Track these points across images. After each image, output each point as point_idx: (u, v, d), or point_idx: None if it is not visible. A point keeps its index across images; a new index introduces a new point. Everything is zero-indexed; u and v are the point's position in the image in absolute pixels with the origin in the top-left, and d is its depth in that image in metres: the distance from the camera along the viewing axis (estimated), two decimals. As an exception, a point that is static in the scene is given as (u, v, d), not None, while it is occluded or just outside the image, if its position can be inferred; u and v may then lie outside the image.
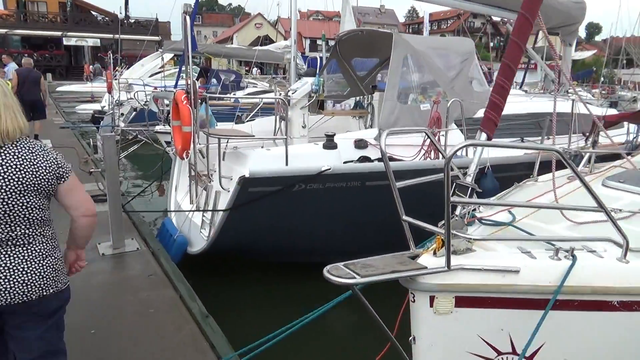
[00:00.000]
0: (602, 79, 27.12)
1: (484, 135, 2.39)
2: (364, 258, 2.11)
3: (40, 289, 2.10)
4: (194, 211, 4.89)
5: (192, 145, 5.08)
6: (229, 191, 4.44)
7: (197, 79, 16.28)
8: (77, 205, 2.20)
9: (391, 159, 4.90)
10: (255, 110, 8.19)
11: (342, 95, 7.22)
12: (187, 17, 4.99)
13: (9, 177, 2.00)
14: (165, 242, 5.27)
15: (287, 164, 4.35)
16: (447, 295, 2.12)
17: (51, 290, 2.14)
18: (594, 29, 78.07)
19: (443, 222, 2.18)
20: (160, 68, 17.85)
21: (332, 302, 2.91)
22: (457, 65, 5.85)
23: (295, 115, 5.70)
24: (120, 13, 38.50)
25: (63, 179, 2.15)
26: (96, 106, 17.89)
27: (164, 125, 8.73)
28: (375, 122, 6.71)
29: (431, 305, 2.13)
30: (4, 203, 2.00)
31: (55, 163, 2.13)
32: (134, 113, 13.26)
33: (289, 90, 5.61)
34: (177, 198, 5.99)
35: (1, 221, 2.01)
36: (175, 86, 11.97)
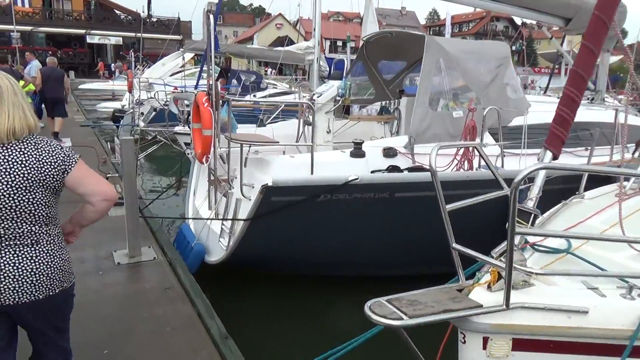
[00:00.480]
0: (631, 85, 26.23)
1: (548, 155, 2.10)
2: (407, 292, 1.86)
3: (47, 289, 2.14)
4: (213, 219, 4.68)
5: (212, 150, 4.88)
6: (250, 199, 4.21)
7: (217, 80, 16.17)
8: (92, 192, 2.18)
9: (421, 168, 4.63)
10: (276, 113, 7.98)
11: (367, 100, 6.96)
12: (211, 16, 4.78)
13: (15, 173, 2.02)
14: (183, 249, 5.07)
15: (312, 173, 4.10)
16: (504, 337, 1.85)
17: (57, 290, 2.18)
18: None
19: (499, 250, 1.90)
20: (180, 67, 17.81)
21: (366, 335, 2.63)
22: (492, 71, 5.53)
23: (319, 119, 5.45)
24: (143, 12, 38.77)
25: (67, 172, 2.14)
26: (117, 104, 17.93)
27: (183, 126, 8.56)
28: (402, 129, 6.44)
29: (484, 348, 1.86)
30: (11, 199, 2.02)
31: (61, 157, 2.13)
32: (154, 113, 13.20)
33: (314, 94, 5.37)
34: (195, 203, 5.79)
35: (8, 217, 2.03)
36: (196, 87, 11.85)
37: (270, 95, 15.19)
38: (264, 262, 4.60)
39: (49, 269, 2.12)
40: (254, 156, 4.43)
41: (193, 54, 19.61)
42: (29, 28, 38.89)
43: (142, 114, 14.36)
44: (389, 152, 4.51)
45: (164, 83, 14.04)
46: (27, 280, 2.07)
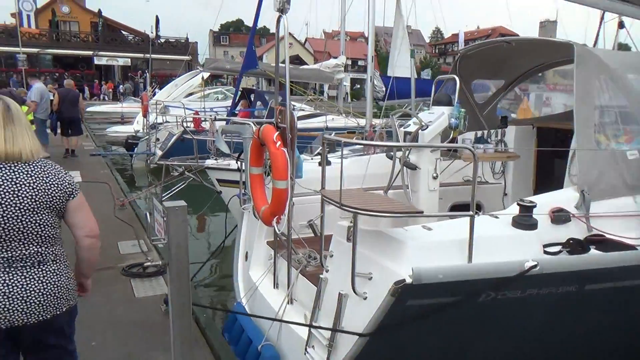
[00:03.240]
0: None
1: None
2: None
3: (54, 308, 2.19)
4: (306, 325, 3.12)
5: (287, 209, 3.41)
6: (364, 297, 2.71)
7: (239, 102, 14.83)
8: (82, 225, 2.26)
9: (603, 239, 3.12)
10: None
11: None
12: (284, 17, 3.34)
13: (23, 195, 2.07)
14: (241, 350, 3.58)
15: (470, 259, 2.60)
16: None
17: (64, 309, 2.23)
18: None
19: None
20: (198, 87, 16.49)
21: None
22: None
23: (423, 159, 3.98)
24: (151, 32, 37.86)
25: (72, 196, 2.22)
26: (128, 129, 16.57)
27: (215, 159, 7.12)
28: (514, 167, 4.99)
29: None
30: (19, 220, 2.06)
31: (67, 181, 2.23)
32: (172, 139, 11.81)
33: (423, 126, 3.89)
34: (250, 274, 4.30)
35: (15, 238, 2.07)
36: (231, 111, 10.47)
37: (299, 118, 13.80)
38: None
39: (56, 289, 2.19)
40: (367, 227, 2.92)
41: (208, 75, 18.36)
42: (35, 50, 38.07)
43: (158, 139, 13.00)
44: (561, 217, 3.00)
45: (183, 106, 12.65)
46: (35, 300, 2.12)
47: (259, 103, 13.17)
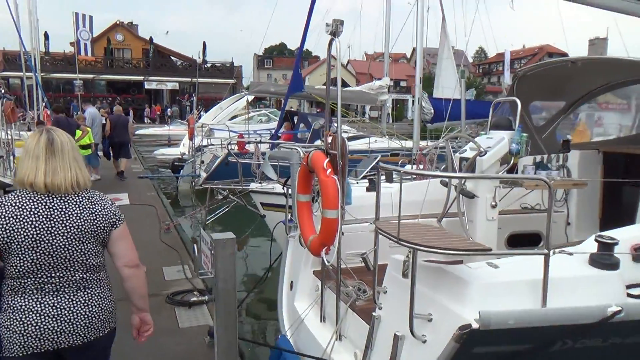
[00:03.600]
0: None
1: None
2: None
3: (97, 330, 2.25)
4: None
5: (338, 239, 3.23)
6: (423, 341, 2.47)
7: (282, 124, 14.91)
8: (122, 255, 2.31)
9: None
10: (372, 165, 6.34)
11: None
12: (336, 40, 3.22)
13: (70, 225, 2.15)
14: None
15: (544, 303, 2.33)
16: None
17: (106, 331, 2.30)
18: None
19: None
20: (242, 110, 16.75)
21: None
22: None
23: (481, 187, 3.72)
24: (199, 57, 39.16)
25: (116, 226, 2.29)
26: (174, 151, 16.97)
27: (260, 182, 7.06)
28: (578, 194, 4.63)
29: None
30: (66, 249, 2.14)
31: (112, 211, 2.30)
32: (217, 162, 11.94)
33: (481, 151, 3.64)
34: (295, 304, 4.12)
35: (62, 266, 2.15)
36: (276, 134, 10.49)
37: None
38: None
39: (100, 311, 2.25)
40: (425, 262, 2.70)
41: (252, 97, 18.63)
42: (91, 76, 40.12)
43: (202, 162, 13.19)
44: (644, 254, 2.68)
45: (228, 129, 12.82)
46: (81, 322, 2.18)
47: (302, 125, 13.17)
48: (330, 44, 3.36)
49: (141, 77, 43.09)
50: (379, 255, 4.49)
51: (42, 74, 23.77)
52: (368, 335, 2.88)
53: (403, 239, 2.39)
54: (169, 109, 38.90)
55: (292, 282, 4.41)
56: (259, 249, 8.00)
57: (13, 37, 18.24)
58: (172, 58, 47.57)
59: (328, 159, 3.25)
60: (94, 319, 2.21)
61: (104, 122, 13.12)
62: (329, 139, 3.51)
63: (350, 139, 14.15)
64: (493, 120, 4.04)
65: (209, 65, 45.10)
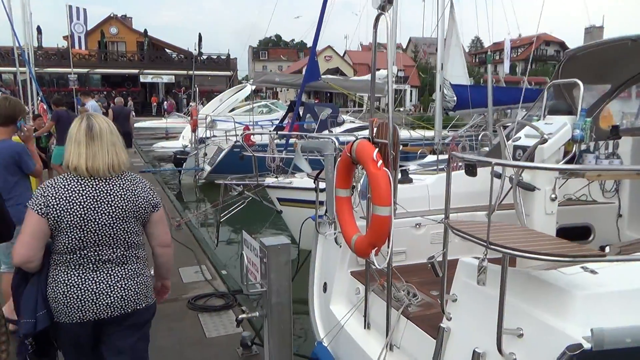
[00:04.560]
0: None
1: None
2: None
3: (135, 303, 2.38)
4: None
5: (390, 240, 2.87)
6: (513, 359, 2.12)
7: (286, 115, 14.51)
8: (157, 236, 2.51)
9: None
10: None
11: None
12: (385, 15, 2.85)
13: (115, 205, 2.31)
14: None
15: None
16: None
17: (143, 305, 2.42)
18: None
19: None
20: (244, 102, 16.32)
21: None
22: None
23: (540, 178, 3.36)
24: (195, 49, 38.50)
25: (156, 209, 2.46)
26: (175, 144, 16.55)
27: (276, 177, 6.69)
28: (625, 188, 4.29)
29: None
30: (110, 227, 2.29)
31: (152, 195, 2.47)
32: (222, 153, 11.54)
33: (544, 138, 3.27)
34: (331, 308, 3.76)
35: (106, 243, 2.30)
36: (290, 126, 10.08)
37: (348, 131, 13.33)
38: None
39: (136, 285, 2.38)
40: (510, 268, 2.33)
41: (253, 89, 18.19)
42: (85, 70, 39.38)
43: (206, 154, 12.79)
44: None
45: (233, 120, 12.39)
46: (118, 295, 2.32)
47: (308, 116, 12.76)
48: (377, 20, 2.99)
49: (136, 71, 42.38)
50: (417, 254, 4.15)
51: (35, 68, 23.17)
52: (436, 349, 2.52)
53: (495, 243, 2.02)
54: (166, 102, 38.30)
55: (325, 283, 4.06)
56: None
57: (5, 31, 17.71)
58: (167, 51, 46.85)
59: (377, 150, 2.88)
60: (130, 291, 2.34)
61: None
62: (374, 128, 3.15)
63: (356, 129, 13.79)
64: (550, 104, 3.67)
65: (204, 57, 44.46)
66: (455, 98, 7.84)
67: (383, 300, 3.28)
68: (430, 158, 6.64)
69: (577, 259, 1.91)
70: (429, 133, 10.99)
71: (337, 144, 3.63)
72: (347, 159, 3.16)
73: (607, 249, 2.93)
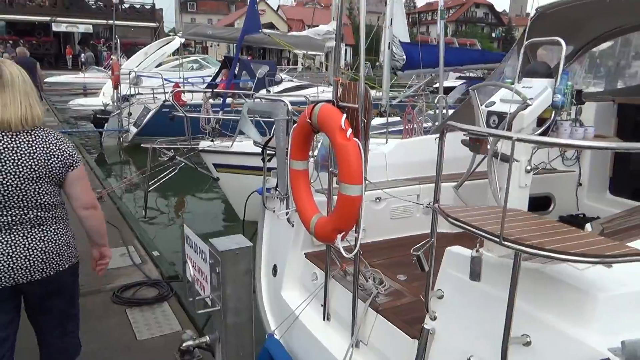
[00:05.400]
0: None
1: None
2: None
3: (57, 265, 2.28)
4: None
5: (360, 226, 2.44)
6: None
7: (219, 72, 13.54)
8: (77, 196, 2.33)
9: None
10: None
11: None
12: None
13: (23, 165, 2.13)
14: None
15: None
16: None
17: (66, 265, 2.32)
18: None
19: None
20: (172, 57, 15.02)
21: None
22: None
23: (516, 149, 3.03)
24: (115, -3, 35.21)
25: (72, 167, 2.28)
26: (93, 101, 15.03)
27: (212, 140, 6.01)
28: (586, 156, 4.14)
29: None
30: (18, 189, 2.14)
31: (68, 152, 2.27)
32: (150, 113, 10.54)
33: (527, 104, 2.91)
34: (282, 294, 3.32)
35: (15, 205, 2.15)
36: (227, 83, 9.23)
37: (287, 90, 12.66)
38: None
39: (57, 246, 2.27)
40: (499, 259, 1.95)
41: (182, 42, 16.80)
42: (-15, 15, 34.94)
43: (130, 114, 11.67)
44: None
45: (161, 76, 11.29)
46: (38, 258, 2.21)
47: (244, 73, 11.90)
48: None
49: (47, 18, 38.20)
50: (376, 231, 3.78)
51: None
52: (418, 352, 2.15)
53: (507, 239, 1.62)
54: (83, 54, 34.99)
55: (275, 266, 3.60)
56: (214, 217, 7.01)
57: None
58: (83, -3, 42.55)
59: (345, 116, 2.38)
60: (51, 253, 2.24)
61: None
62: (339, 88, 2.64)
63: (295, 88, 13.15)
64: (528, 66, 3.33)
65: (126, 6, 41.03)
66: (404, 57, 7.44)
67: (345, 289, 2.88)
68: (378, 121, 6.26)
69: (628, 259, 1.54)
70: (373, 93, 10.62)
71: (289, 106, 3.08)
72: (306, 126, 2.64)
73: (588, 226, 2.67)
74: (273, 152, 3.33)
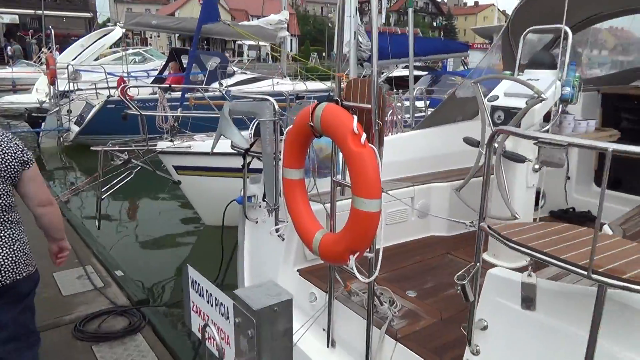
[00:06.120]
0: None
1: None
2: None
3: (13, 273, 2.17)
4: None
5: (380, 242, 2.14)
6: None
7: (167, 64, 12.76)
8: (32, 195, 2.27)
9: None
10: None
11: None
12: None
13: None
14: None
15: None
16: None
17: (24, 274, 2.22)
18: None
19: None
20: (111, 49, 14.01)
21: None
22: None
23: (524, 147, 2.81)
24: (43, -16, 32.73)
25: (27, 166, 2.23)
26: (27, 99, 13.78)
27: (171, 140, 5.48)
28: (574, 150, 3.99)
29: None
30: None
31: (20, 149, 2.22)
32: (93, 110, 9.72)
33: (541, 98, 2.67)
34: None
35: None
36: (186, 77, 8.56)
37: (240, 83, 12.12)
38: None
39: (13, 253, 2.17)
40: (559, 284, 1.67)
41: (124, 33, 15.75)
42: None
43: (70, 111, 10.74)
44: None
45: (104, 70, 10.43)
46: None
47: (194, 66, 11.20)
48: None
49: (-34, 7, 35.07)
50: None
51: None
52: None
53: (605, 274, 1.34)
54: (9, 47, 32.36)
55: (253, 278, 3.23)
56: (179, 228, 6.45)
57: None
58: (7, -16, 39.37)
59: (357, 119, 2.04)
60: (7, 261, 2.15)
61: None
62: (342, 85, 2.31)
63: (248, 81, 12.62)
64: (532, 56, 3.11)
65: (56, -5, 38.39)
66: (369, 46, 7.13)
67: (351, 311, 2.57)
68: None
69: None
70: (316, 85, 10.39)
71: (276, 106, 2.70)
72: (306, 130, 2.27)
73: (607, 229, 2.49)
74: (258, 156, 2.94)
